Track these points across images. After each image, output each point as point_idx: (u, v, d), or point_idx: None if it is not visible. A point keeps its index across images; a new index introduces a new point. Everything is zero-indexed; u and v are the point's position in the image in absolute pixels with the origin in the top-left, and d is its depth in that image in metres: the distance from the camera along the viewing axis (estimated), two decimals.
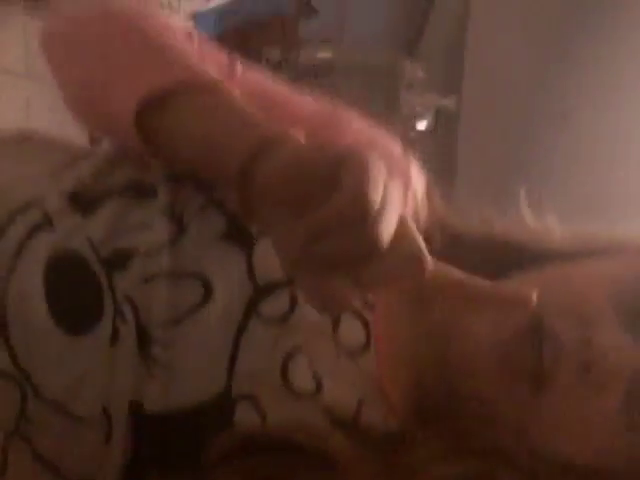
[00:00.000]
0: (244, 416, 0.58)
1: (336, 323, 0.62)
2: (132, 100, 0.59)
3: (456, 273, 0.50)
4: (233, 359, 0.59)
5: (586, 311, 0.58)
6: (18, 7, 2.20)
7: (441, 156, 3.23)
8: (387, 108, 3.09)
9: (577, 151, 2.66)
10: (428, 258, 0.46)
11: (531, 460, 0.58)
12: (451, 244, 0.64)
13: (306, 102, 0.75)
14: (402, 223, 0.46)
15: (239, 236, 0.62)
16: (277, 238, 0.48)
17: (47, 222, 0.63)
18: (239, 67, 0.73)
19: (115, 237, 0.62)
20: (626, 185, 2.41)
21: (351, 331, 0.63)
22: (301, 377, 0.59)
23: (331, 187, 0.44)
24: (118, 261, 0.61)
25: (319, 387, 0.59)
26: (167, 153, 0.61)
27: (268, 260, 0.59)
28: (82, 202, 0.64)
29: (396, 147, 0.74)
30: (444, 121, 3.11)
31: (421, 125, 3.06)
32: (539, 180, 2.97)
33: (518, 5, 2.93)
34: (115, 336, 0.59)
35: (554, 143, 2.74)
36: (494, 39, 3.06)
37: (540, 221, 0.70)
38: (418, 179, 0.76)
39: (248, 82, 0.72)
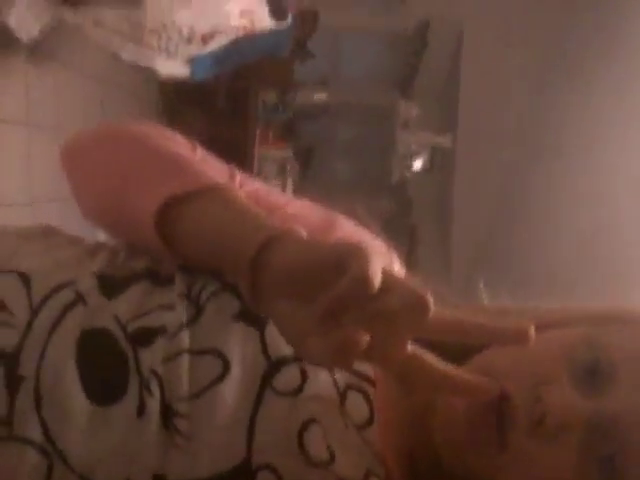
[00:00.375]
0: None
1: (343, 397, 0.66)
2: (150, 208, 0.65)
3: (429, 358, 0.53)
4: (252, 430, 0.63)
5: (538, 372, 0.62)
6: (20, 57, 2.23)
7: (438, 193, 3.24)
8: (383, 147, 3.11)
9: (571, 184, 2.68)
10: (430, 299, 0.50)
11: None
12: None
13: (302, 206, 0.82)
14: (399, 282, 0.50)
15: (252, 316, 0.66)
16: (285, 324, 0.55)
17: (80, 300, 0.67)
18: (238, 175, 0.79)
19: (140, 317, 0.67)
20: (617, 217, 2.43)
21: (356, 405, 0.67)
22: (316, 447, 0.63)
23: (338, 273, 0.50)
24: (143, 338, 0.65)
25: (332, 457, 0.63)
26: (184, 253, 0.67)
27: (279, 338, 0.63)
28: (108, 286, 0.70)
29: (381, 246, 0.80)
30: (440, 159, 3.13)
31: (417, 163, 3.08)
32: (535, 215, 3.00)
33: (511, 42, 2.96)
34: (142, 409, 0.62)
35: (549, 177, 2.76)
36: (488, 76, 3.10)
37: (497, 302, 0.75)
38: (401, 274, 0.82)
39: (247, 189, 0.78)
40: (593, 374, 0.61)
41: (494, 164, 2.97)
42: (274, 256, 0.57)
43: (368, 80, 3.44)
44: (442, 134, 3.19)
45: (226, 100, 2.63)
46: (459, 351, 0.61)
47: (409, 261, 0.84)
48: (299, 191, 2.92)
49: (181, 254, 0.68)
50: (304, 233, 0.57)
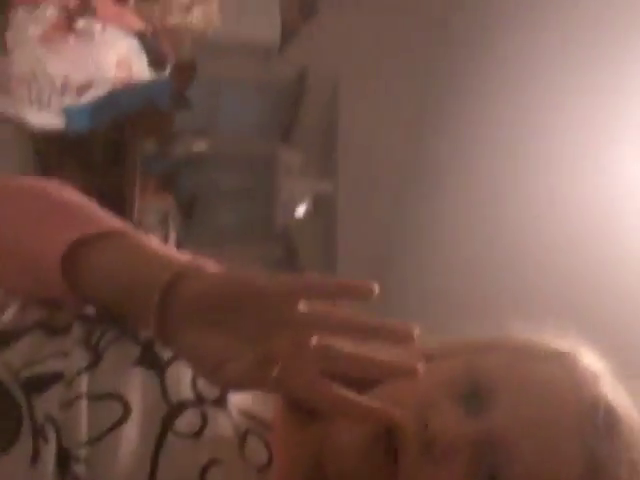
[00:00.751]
0: None
1: (242, 441, 0.68)
2: (55, 252, 0.66)
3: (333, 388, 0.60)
4: (153, 474, 0.62)
5: (424, 399, 0.66)
6: None
7: (322, 239, 3.27)
8: (266, 195, 3.12)
9: (447, 223, 2.77)
10: None
11: None
12: None
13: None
14: None
15: (152, 361, 0.68)
16: (199, 353, 0.60)
17: None
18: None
19: (33, 364, 0.66)
20: (499, 244, 2.52)
21: (255, 449, 0.69)
22: None
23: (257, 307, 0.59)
24: (37, 385, 0.65)
25: None
26: (89, 296, 0.68)
27: (179, 382, 0.67)
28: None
29: None
30: (323, 205, 3.16)
31: (301, 210, 3.09)
32: (419, 253, 3.07)
33: (385, 85, 3.04)
34: (35, 456, 0.61)
35: (427, 219, 2.84)
36: (365, 122, 3.17)
37: None
38: None
39: None
40: (474, 397, 0.65)
41: (376, 207, 3.02)
42: (185, 287, 0.61)
43: (248, 129, 3.46)
44: (323, 181, 3.22)
45: (103, 151, 2.58)
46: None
47: None
48: (183, 242, 2.89)
49: (85, 298, 0.68)
50: (210, 267, 0.63)
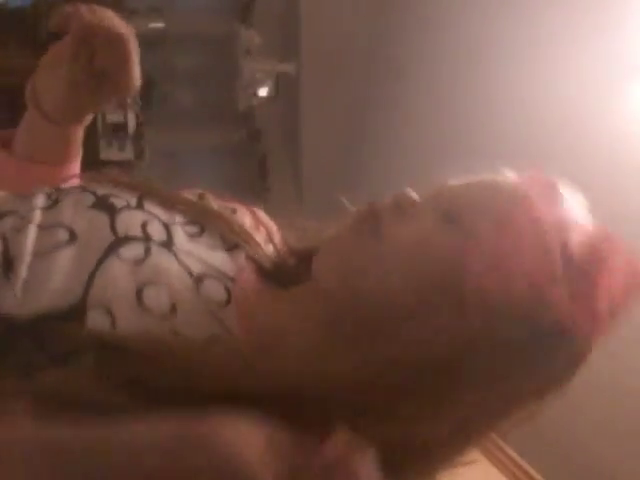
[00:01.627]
0: (96, 321, 0.65)
1: (198, 282, 0.72)
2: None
3: None
4: (91, 280, 0.67)
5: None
6: None
7: (285, 119, 3.23)
8: (227, 76, 3.04)
9: (411, 102, 2.73)
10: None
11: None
12: (300, 260, 0.81)
13: None
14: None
15: (105, 206, 0.75)
16: (58, 75, 0.82)
17: None
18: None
19: None
20: (455, 132, 2.50)
21: (212, 289, 0.72)
22: (155, 300, 0.67)
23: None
24: None
25: (173, 311, 0.67)
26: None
27: (129, 222, 0.73)
28: None
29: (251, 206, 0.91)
30: (285, 85, 3.10)
31: (263, 91, 3.03)
32: (379, 136, 3.04)
33: None
34: None
35: (391, 98, 2.79)
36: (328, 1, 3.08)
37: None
38: (269, 221, 0.92)
39: None
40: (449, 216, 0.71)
41: (339, 86, 2.96)
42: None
43: (205, 8, 3.33)
44: (285, 61, 3.14)
45: (48, 29, 2.46)
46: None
47: (261, 190, 0.87)
48: (142, 125, 2.82)
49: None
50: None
